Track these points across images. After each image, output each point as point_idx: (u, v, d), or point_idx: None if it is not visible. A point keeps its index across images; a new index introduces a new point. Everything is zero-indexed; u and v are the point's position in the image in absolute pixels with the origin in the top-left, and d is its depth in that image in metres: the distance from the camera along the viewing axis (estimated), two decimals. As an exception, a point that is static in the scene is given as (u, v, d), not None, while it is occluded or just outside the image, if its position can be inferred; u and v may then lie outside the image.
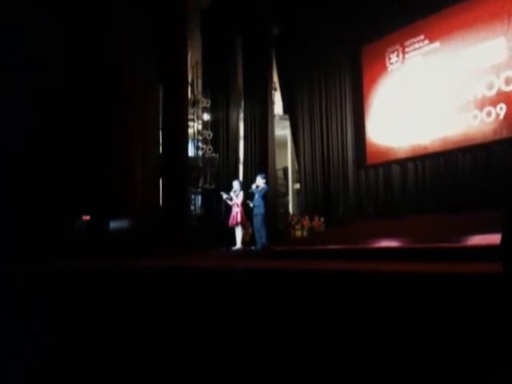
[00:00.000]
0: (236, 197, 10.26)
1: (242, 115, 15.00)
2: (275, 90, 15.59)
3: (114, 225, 9.90)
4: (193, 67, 13.89)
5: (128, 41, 11.10)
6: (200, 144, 13.65)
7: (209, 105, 13.94)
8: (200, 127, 13.92)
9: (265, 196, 10.05)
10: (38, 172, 8.77)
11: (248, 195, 10.43)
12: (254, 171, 13.52)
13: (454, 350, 2.22)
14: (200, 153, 13.57)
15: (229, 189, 10.67)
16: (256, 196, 10.06)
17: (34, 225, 8.20)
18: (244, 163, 14.75)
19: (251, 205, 10.14)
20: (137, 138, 11.20)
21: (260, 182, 10.17)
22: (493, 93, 10.71)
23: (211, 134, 13.77)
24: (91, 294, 4.04)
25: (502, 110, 10.53)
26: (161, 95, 12.27)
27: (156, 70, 12.00)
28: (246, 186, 10.92)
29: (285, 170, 17.89)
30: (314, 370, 2.37)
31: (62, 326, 3.36)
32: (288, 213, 16.46)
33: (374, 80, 13.53)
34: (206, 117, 14.10)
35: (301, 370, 2.39)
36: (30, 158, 8.63)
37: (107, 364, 2.80)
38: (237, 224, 10.24)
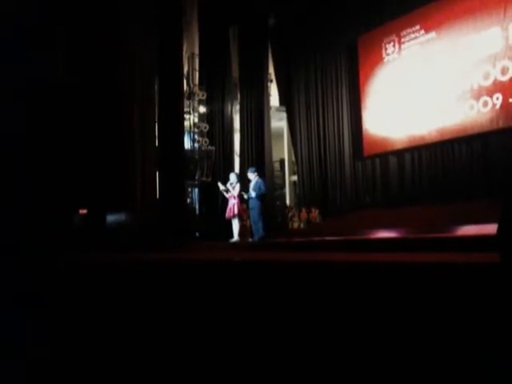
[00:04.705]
0: (233, 189, 10.25)
1: (238, 107, 14.98)
2: (271, 81, 15.57)
3: (111, 218, 9.88)
4: (189, 59, 13.84)
5: (126, 34, 11.05)
6: (196, 136, 13.63)
7: (205, 97, 13.89)
8: (196, 120, 13.90)
9: (260, 188, 10.01)
10: (37, 167, 8.75)
11: (245, 187, 10.42)
12: (250, 163, 13.53)
13: (452, 339, 2.23)
14: (196, 145, 13.55)
15: (225, 181, 10.65)
16: (251, 188, 10.05)
17: (33, 219, 8.19)
18: (240, 155, 14.75)
19: (246, 196, 10.14)
20: (134, 130, 11.16)
21: (251, 176, 10.14)
22: (489, 83, 10.71)
23: (207, 127, 13.75)
24: (91, 289, 4.04)
25: (498, 99, 10.54)
26: (156, 88, 12.22)
27: (152, 62, 11.95)
28: (242, 179, 10.90)
29: (281, 161, 17.90)
30: (313, 361, 2.38)
31: (63, 322, 3.36)
32: (285, 205, 16.49)
33: (370, 71, 13.52)
34: (202, 109, 14.06)
35: (299, 361, 2.40)
36: (29, 153, 8.61)
37: (108, 357, 2.81)
38: (234, 216, 10.23)
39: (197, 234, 12.86)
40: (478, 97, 10.91)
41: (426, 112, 11.95)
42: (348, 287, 3.02)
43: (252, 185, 10.05)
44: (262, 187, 9.96)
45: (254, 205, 9.96)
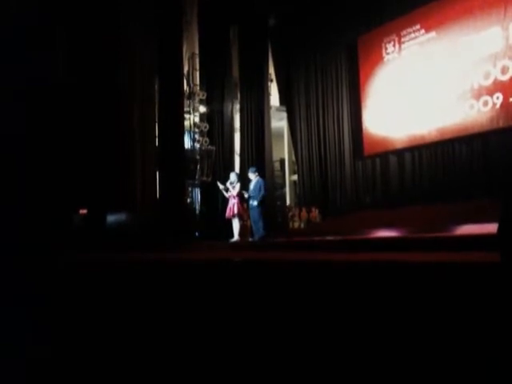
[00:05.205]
0: (233, 188, 10.24)
1: (238, 107, 14.98)
2: (271, 81, 15.56)
3: (111, 218, 9.88)
4: (189, 59, 13.83)
5: (126, 34, 11.06)
6: (196, 136, 13.63)
7: (205, 97, 13.89)
8: (196, 119, 13.89)
9: (260, 188, 10.00)
10: (37, 166, 8.75)
11: (245, 187, 10.42)
12: (250, 163, 13.53)
13: (453, 338, 2.23)
14: (197, 145, 13.54)
15: (225, 181, 10.65)
16: (251, 188, 10.06)
17: (33, 219, 8.19)
18: (241, 155, 14.74)
19: (246, 195, 10.15)
20: (134, 130, 11.16)
21: (252, 176, 10.16)
22: (489, 82, 10.70)
23: (207, 126, 13.74)
24: (91, 289, 4.04)
25: (498, 99, 10.53)
26: (156, 87, 12.22)
27: (152, 62, 11.96)
28: (242, 178, 10.90)
29: (281, 161, 17.90)
30: (313, 361, 2.38)
31: (63, 322, 3.36)
32: (285, 204, 16.49)
33: (370, 70, 13.51)
34: (203, 109, 14.06)
35: (299, 361, 2.40)
36: (29, 153, 8.61)
37: (109, 357, 2.80)
38: (234, 216, 10.22)
39: (196, 234, 12.85)
40: (478, 96, 10.90)
41: (426, 111, 11.93)
42: (348, 287, 3.01)
43: (252, 185, 10.06)
44: (263, 188, 9.97)
45: (253, 205, 9.98)
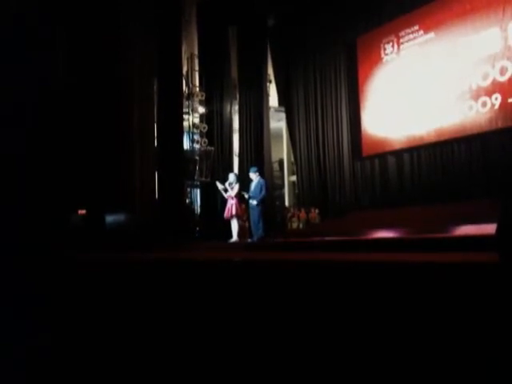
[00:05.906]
0: (231, 189, 10.24)
1: (237, 107, 14.98)
2: (270, 82, 15.57)
3: (109, 219, 9.88)
4: (188, 60, 13.84)
5: (126, 34, 11.06)
6: (195, 137, 13.63)
7: (204, 97, 13.90)
8: (196, 120, 13.90)
9: (261, 189, 10.00)
10: (36, 167, 8.75)
11: (245, 187, 10.42)
12: (249, 163, 13.54)
13: (452, 338, 2.24)
14: (196, 146, 13.54)
15: (224, 181, 10.65)
16: (252, 188, 10.06)
17: (32, 219, 8.18)
18: (239, 156, 14.75)
19: (246, 196, 10.15)
20: (133, 131, 11.16)
21: (253, 176, 10.16)
22: (488, 83, 10.72)
23: (206, 127, 13.74)
24: (91, 289, 4.04)
25: (497, 100, 10.54)
26: (156, 88, 12.23)
27: (152, 62, 11.97)
28: (241, 179, 10.90)
29: (280, 162, 17.90)
30: (313, 361, 2.39)
31: (63, 322, 3.37)
32: (284, 205, 16.50)
33: (369, 71, 13.52)
34: (201, 109, 14.07)
35: (299, 361, 2.41)
36: (29, 153, 8.60)
37: (109, 356, 2.81)
38: (232, 216, 10.22)
39: (196, 235, 12.86)
40: (476, 97, 10.91)
41: (424, 112, 11.95)
42: (347, 287, 3.02)
43: (253, 185, 10.04)
44: (264, 188, 9.97)
45: (253, 205, 9.98)
